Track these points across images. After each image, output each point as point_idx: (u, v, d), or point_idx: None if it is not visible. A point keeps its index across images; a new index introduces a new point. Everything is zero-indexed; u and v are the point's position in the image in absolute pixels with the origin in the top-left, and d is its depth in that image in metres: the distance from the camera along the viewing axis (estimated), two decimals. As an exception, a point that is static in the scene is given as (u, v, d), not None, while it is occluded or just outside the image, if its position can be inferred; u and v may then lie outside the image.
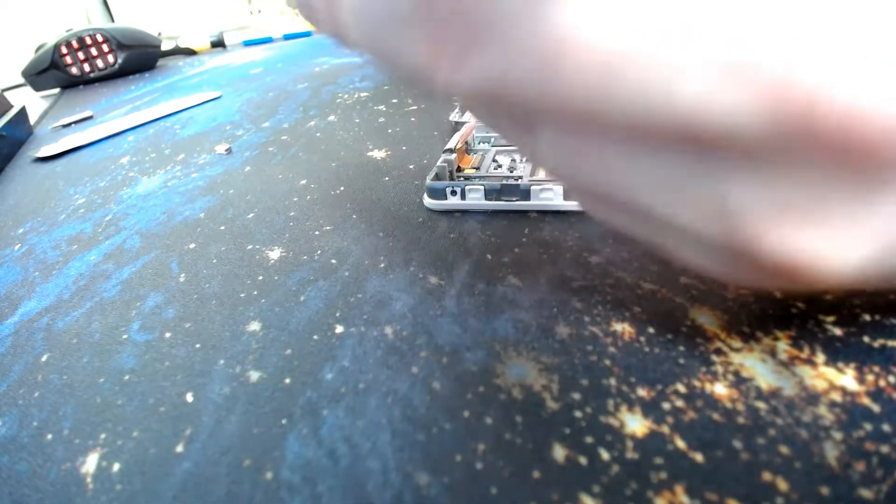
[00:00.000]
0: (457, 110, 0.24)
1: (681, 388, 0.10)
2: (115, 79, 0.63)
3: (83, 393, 0.12)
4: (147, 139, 0.33)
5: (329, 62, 0.48)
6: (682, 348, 0.10)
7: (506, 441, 0.09)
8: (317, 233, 0.18)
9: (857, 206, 0.07)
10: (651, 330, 0.11)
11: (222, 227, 0.19)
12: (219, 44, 0.77)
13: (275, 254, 0.17)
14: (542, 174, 0.18)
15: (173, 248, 0.18)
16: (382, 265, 0.15)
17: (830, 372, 0.09)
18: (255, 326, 0.13)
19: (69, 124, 0.42)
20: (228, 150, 0.27)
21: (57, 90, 0.63)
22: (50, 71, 0.61)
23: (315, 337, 0.13)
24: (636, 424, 0.09)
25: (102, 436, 0.11)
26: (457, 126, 0.23)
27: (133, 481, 0.10)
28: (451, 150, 0.19)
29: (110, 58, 0.62)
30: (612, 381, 0.10)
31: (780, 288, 0.08)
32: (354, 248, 0.16)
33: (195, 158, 0.28)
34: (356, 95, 0.35)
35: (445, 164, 0.18)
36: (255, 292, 0.15)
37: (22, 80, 0.63)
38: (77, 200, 0.25)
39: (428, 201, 0.18)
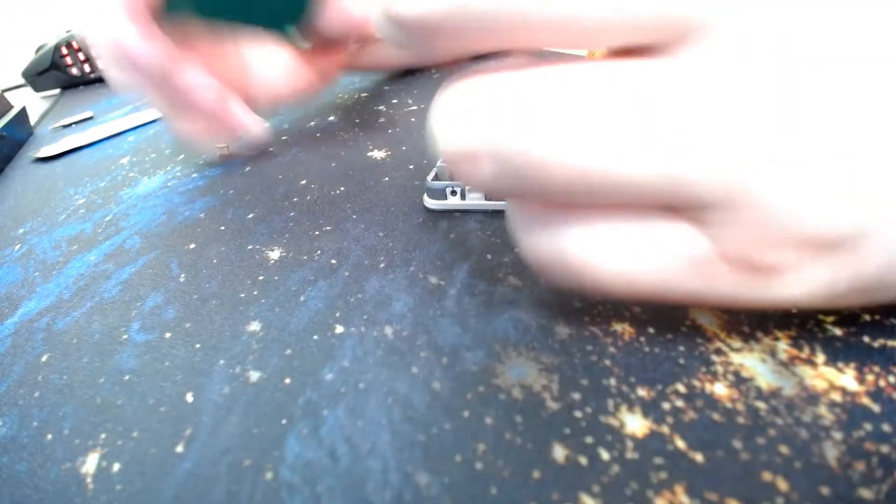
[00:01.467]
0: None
1: (681, 388, 0.10)
2: (116, 79, 0.63)
3: (83, 393, 0.12)
4: (147, 139, 0.33)
5: (329, 62, 0.48)
6: (682, 348, 0.10)
7: (506, 441, 0.09)
8: (317, 233, 0.18)
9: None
10: (651, 330, 0.11)
11: (222, 228, 0.19)
12: (219, 44, 0.77)
13: (275, 254, 0.17)
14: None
15: (173, 249, 0.18)
16: (382, 265, 0.15)
17: (830, 372, 0.09)
18: (255, 326, 0.13)
19: (69, 125, 0.42)
20: (228, 151, 0.27)
21: (57, 91, 0.63)
22: (50, 71, 0.61)
23: (315, 337, 0.13)
24: (636, 424, 0.09)
25: (102, 436, 0.11)
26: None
27: (133, 481, 0.10)
28: (451, 151, 0.19)
29: (110, 58, 0.62)
30: (612, 381, 0.10)
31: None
32: (354, 248, 0.16)
33: (195, 159, 0.28)
34: (356, 95, 0.35)
35: (445, 164, 0.18)
36: (256, 292, 0.15)
37: (22, 81, 0.63)
38: (77, 201, 0.25)
39: (428, 201, 0.18)
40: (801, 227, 0.08)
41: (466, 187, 0.17)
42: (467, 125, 0.08)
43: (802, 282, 0.08)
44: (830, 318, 0.11)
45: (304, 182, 0.22)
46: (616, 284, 0.09)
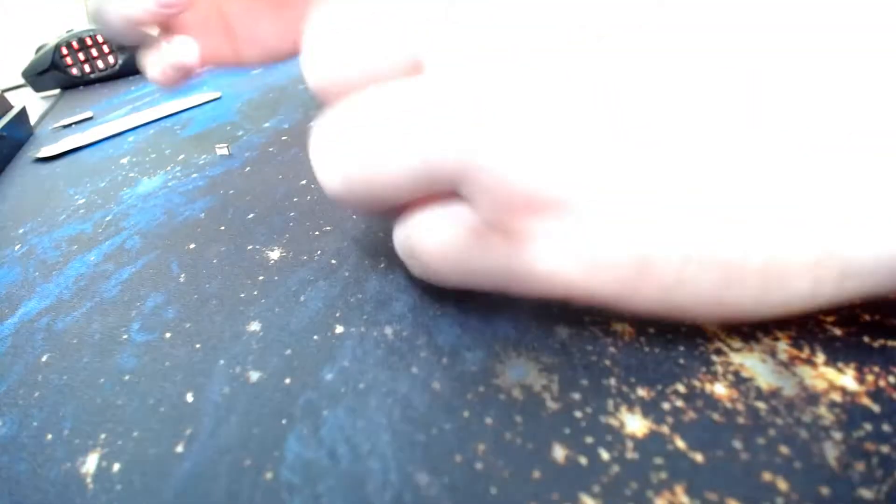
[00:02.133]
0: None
1: (681, 388, 0.10)
2: (116, 79, 0.63)
3: (83, 393, 0.12)
4: (147, 140, 0.33)
5: (329, 63, 0.48)
6: (682, 348, 0.10)
7: (506, 441, 0.09)
8: (317, 233, 0.18)
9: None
10: (651, 330, 0.11)
11: (222, 228, 0.19)
12: (219, 44, 0.77)
13: (275, 254, 0.17)
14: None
15: (173, 249, 0.18)
16: (382, 265, 0.15)
17: (830, 372, 0.09)
18: (255, 326, 0.13)
19: (69, 125, 0.42)
20: (228, 151, 0.27)
21: (57, 91, 0.63)
22: (50, 71, 0.61)
23: (315, 337, 0.13)
24: (636, 424, 0.09)
25: (102, 436, 0.11)
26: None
27: (133, 481, 0.10)
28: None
29: (111, 58, 0.63)
30: (612, 381, 0.10)
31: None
32: (354, 248, 0.16)
33: (195, 159, 0.28)
34: (356, 96, 0.35)
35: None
36: (256, 292, 0.15)
37: (22, 81, 0.64)
38: (77, 201, 0.25)
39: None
40: (519, 185, 0.09)
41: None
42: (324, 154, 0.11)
43: (551, 249, 0.09)
44: (830, 319, 0.11)
45: (304, 182, 0.22)
46: (435, 261, 0.11)
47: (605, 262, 0.09)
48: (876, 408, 0.09)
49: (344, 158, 0.10)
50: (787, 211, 0.08)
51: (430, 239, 0.11)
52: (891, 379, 0.09)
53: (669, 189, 0.08)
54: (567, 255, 0.09)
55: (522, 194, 0.09)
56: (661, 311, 0.09)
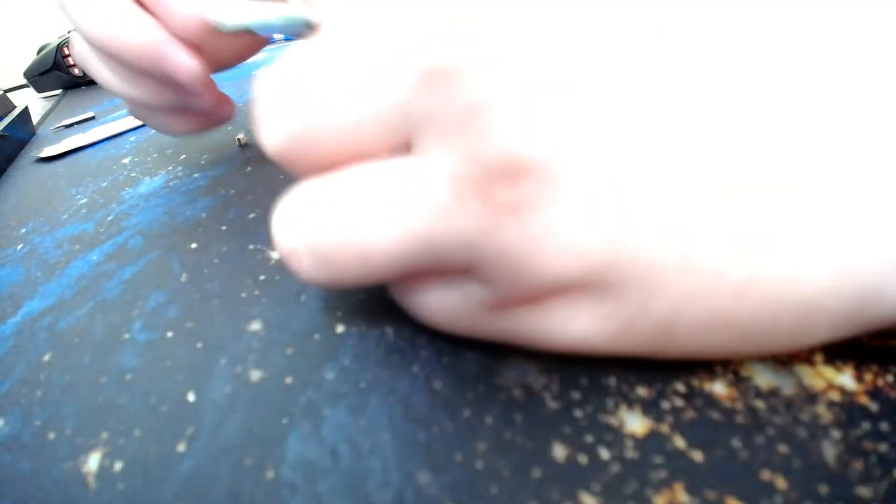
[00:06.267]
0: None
1: (680, 387, 0.10)
2: (117, 79, 0.63)
3: (85, 392, 0.12)
4: (149, 139, 0.33)
5: (330, 63, 0.48)
6: (681, 348, 0.10)
7: (506, 440, 0.09)
8: (318, 233, 0.18)
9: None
10: (651, 329, 0.11)
11: (224, 227, 0.19)
12: (220, 44, 0.77)
13: (276, 254, 0.17)
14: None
15: (175, 248, 0.18)
16: (383, 265, 0.15)
17: (829, 371, 0.10)
18: (256, 326, 0.14)
19: (71, 125, 0.42)
20: (244, 140, 0.28)
21: (59, 91, 0.64)
22: (52, 72, 0.61)
23: (316, 336, 0.13)
24: (636, 423, 0.09)
25: (104, 435, 0.11)
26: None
27: (135, 480, 0.10)
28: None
29: (112, 59, 0.63)
30: (612, 381, 0.10)
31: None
32: (355, 248, 0.16)
33: (197, 159, 0.28)
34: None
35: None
36: (257, 292, 0.15)
37: (24, 82, 0.64)
38: (79, 200, 0.25)
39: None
40: (539, 270, 0.08)
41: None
42: (287, 229, 0.10)
43: (574, 321, 0.09)
44: (830, 318, 0.11)
45: (305, 182, 0.22)
46: (442, 325, 0.11)
47: (640, 326, 0.09)
48: (874, 407, 0.09)
49: (322, 236, 0.10)
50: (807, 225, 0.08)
51: (434, 307, 0.11)
52: (889, 378, 0.09)
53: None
54: (600, 322, 0.09)
55: (548, 279, 0.09)
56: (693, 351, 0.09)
